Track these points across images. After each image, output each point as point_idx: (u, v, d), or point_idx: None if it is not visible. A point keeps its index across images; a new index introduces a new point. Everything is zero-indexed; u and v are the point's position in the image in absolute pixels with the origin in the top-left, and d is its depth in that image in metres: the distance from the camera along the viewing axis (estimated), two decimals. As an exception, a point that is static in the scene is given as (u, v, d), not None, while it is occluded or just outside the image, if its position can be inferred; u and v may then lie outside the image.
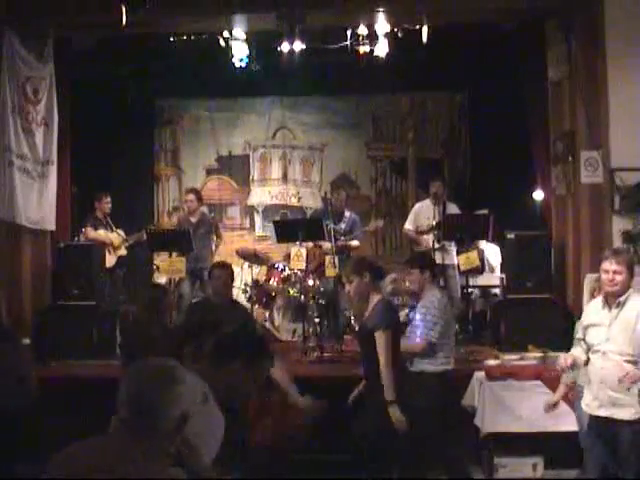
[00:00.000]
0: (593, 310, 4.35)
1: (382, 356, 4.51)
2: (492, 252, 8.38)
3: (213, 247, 8.55)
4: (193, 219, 8.34)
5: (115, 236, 8.62)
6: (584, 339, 4.33)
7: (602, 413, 4.19)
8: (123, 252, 8.67)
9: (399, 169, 10.34)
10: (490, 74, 8.85)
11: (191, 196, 8.46)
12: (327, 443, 5.48)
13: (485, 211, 7.74)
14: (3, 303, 5.45)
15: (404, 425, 4.47)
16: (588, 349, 4.30)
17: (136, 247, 8.75)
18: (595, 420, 4.27)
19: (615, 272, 4.16)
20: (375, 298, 4.71)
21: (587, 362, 4.31)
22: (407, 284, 5.66)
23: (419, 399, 4.84)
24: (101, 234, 8.50)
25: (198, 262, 7.97)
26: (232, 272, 6.30)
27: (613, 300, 4.20)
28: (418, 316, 5.24)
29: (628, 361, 4.08)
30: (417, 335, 5.20)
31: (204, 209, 8.84)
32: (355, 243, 8.03)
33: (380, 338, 4.52)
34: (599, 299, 4.35)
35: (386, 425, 4.49)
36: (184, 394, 2.17)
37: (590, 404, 4.29)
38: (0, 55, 6.98)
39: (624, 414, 4.10)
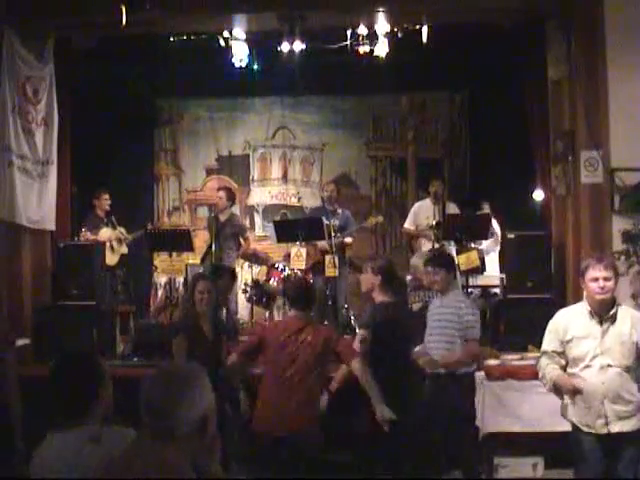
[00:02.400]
0: (577, 323, 4.12)
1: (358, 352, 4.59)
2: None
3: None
4: (222, 217, 8.15)
5: (117, 234, 8.57)
6: (562, 352, 4.14)
7: (611, 430, 4.02)
8: (125, 250, 8.65)
9: (399, 169, 10.33)
10: (490, 74, 8.84)
11: (221, 193, 8.26)
12: (327, 443, 5.48)
13: (486, 210, 7.74)
14: None
15: (385, 424, 4.44)
16: (566, 364, 4.14)
17: (136, 246, 8.73)
18: (600, 438, 4.05)
19: (605, 279, 4.01)
20: (377, 299, 4.72)
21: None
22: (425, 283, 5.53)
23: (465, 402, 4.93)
24: (103, 234, 8.44)
25: (221, 262, 7.70)
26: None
27: (603, 312, 4.05)
28: (471, 317, 5.11)
29: (625, 371, 4.01)
30: (474, 334, 5.12)
31: (234, 210, 8.66)
32: (348, 240, 7.99)
33: (358, 335, 4.64)
34: (579, 311, 4.15)
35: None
36: (202, 396, 2.19)
37: (594, 424, 4.05)
38: (0, 55, 6.97)
39: (630, 426, 4.02)
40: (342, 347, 4.61)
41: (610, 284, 4.03)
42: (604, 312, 4.05)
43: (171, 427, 2.13)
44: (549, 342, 4.21)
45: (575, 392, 4.08)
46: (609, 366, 4.01)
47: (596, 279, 4.02)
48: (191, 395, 2.17)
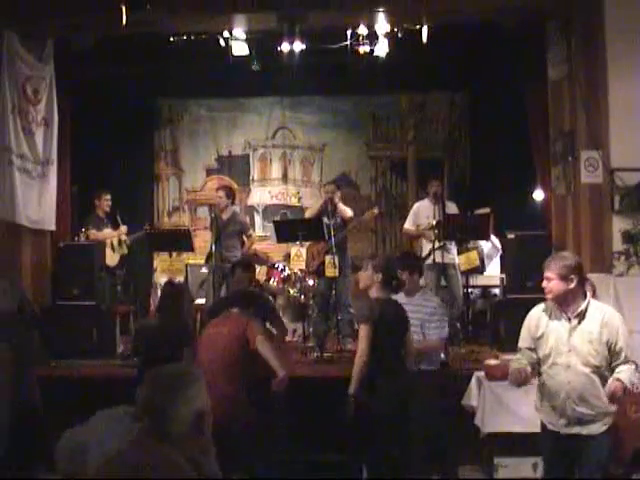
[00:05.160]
0: (546, 320, 4.03)
1: (358, 348, 4.51)
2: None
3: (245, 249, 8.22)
4: (224, 216, 8.05)
5: (117, 233, 8.55)
6: (533, 349, 4.06)
7: (570, 431, 3.95)
8: (125, 251, 8.63)
9: (399, 169, 10.34)
10: (490, 74, 8.84)
11: (220, 192, 8.17)
12: (326, 443, 5.49)
13: (486, 210, 7.74)
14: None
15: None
16: (537, 361, 4.06)
17: (136, 247, 8.73)
18: (560, 438, 4.00)
19: (547, 279, 3.97)
20: (374, 296, 4.70)
21: (538, 375, 4.09)
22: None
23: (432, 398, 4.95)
24: (106, 233, 8.42)
25: (224, 262, 7.63)
26: (254, 274, 6.37)
27: (568, 310, 3.95)
28: (439, 317, 5.40)
29: (593, 372, 3.89)
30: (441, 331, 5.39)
31: (236, 208, 8.56)
32: (349, 213, 7.81)
33: (360, 330, 4.53)
34: (550, 308, 4.04)
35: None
36: (196, 395, 2.25)
37: (556, 423, 4.00)
38: (0, 55, 6.98)
39: (590, 430, 3.92)
40: (249, 332, 4.82)
41: (551, 285, 3.94)
42: (569, 310, 3.96)
43: (165, 425, 2.18)
44: (522, 339, 4.15)
45: (518, 384, 4.05)
46: (577, 365, 3.91)
47: (543, 281, 4.03)
48: (184, 394, 2.22)
